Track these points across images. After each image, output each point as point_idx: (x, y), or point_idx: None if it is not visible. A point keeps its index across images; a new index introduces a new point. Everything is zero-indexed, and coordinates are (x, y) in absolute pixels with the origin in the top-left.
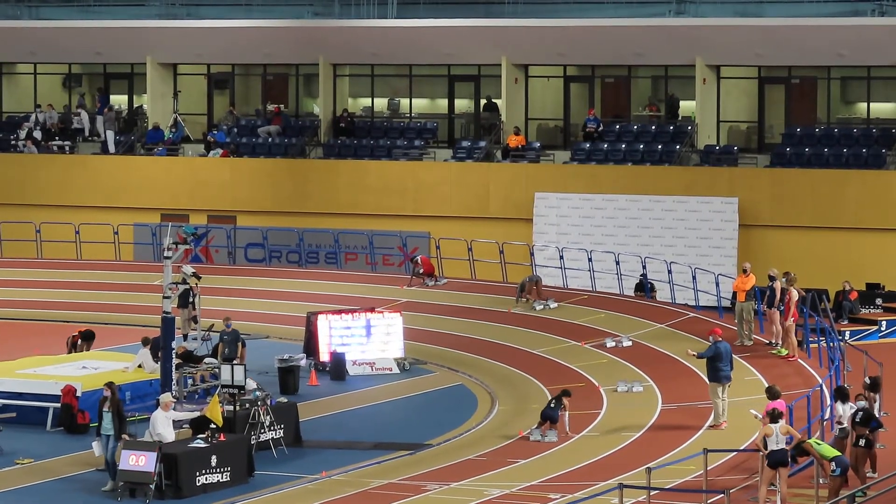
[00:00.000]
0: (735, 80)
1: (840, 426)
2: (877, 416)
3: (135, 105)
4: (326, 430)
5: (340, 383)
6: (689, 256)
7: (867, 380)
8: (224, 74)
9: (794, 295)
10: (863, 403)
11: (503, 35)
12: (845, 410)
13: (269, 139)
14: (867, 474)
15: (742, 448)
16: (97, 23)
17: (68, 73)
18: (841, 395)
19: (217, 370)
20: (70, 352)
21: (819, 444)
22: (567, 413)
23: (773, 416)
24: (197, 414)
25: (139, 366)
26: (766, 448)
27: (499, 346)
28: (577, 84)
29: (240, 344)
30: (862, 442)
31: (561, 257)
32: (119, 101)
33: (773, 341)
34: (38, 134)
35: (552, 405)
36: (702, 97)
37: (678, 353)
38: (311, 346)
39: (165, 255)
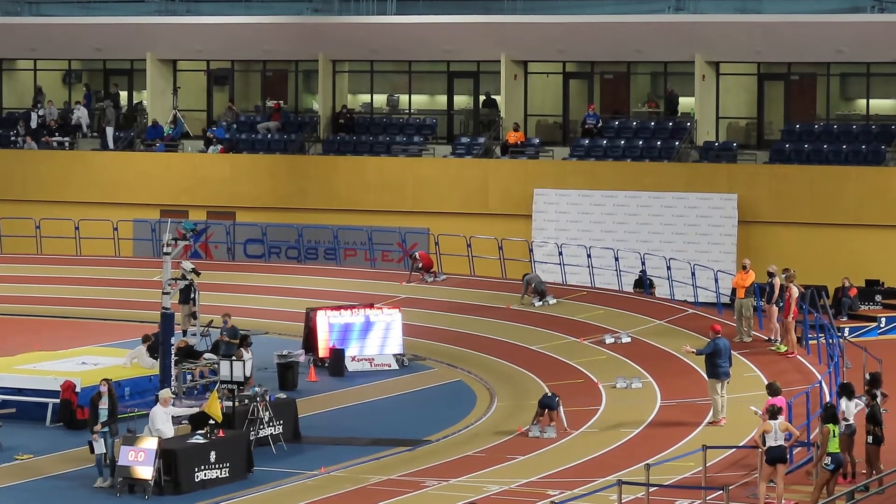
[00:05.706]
0: (734, 76)
1: (846, 422)
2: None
3: (134, 101)
4: (325, 427)
5: (339, 379)
6: (688, 253)
7: (867, 376)
8: (223, 71)
9: (794, 291)
10: (864, 399)
11: (502, 31)
12: (850, 407)
13: (269, 135)
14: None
15: (741, 444)
16: (97, 19)
17: (68, 70)
18: (846, 391)
19: (216, 366)
20: None
21: (835, 437)
22: (561, 409)
23: (772, 413)
24: (196, 410)
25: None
26: (764, 444)
27: (498, 343)
28: (577, 80)
29: (239, 340)
30: (870, 438)
31: (560, 253)
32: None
33: (773, 338)
34: (33, 124)
35: (548, 395)
36: (701, 93)
37: (677, 350)
38: (310, 342)
39: (165, 250)
